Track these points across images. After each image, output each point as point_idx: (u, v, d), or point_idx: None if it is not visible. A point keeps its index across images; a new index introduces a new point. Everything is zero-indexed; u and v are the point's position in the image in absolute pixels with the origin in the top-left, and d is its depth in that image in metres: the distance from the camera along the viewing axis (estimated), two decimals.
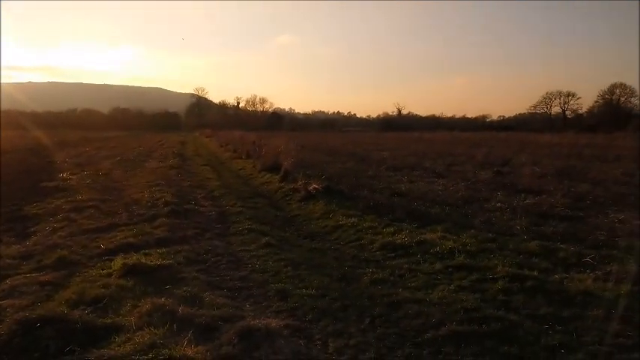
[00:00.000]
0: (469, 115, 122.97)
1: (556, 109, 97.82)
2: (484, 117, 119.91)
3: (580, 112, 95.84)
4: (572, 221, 9.03)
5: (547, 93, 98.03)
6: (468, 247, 7.29)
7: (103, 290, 5.65)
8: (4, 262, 6.95)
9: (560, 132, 62.26)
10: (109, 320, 4.87)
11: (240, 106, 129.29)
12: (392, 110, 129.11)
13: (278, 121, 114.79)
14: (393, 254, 7.41)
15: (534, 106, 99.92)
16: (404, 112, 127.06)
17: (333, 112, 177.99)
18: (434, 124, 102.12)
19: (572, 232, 8.14)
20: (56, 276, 6.28)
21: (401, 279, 6.34)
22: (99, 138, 50.04)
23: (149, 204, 11.38)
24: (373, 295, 5.80)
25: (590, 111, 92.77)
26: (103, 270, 6.58)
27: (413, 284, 6.10)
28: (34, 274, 6.35)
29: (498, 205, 10.48)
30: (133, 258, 6.73)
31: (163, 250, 7.52)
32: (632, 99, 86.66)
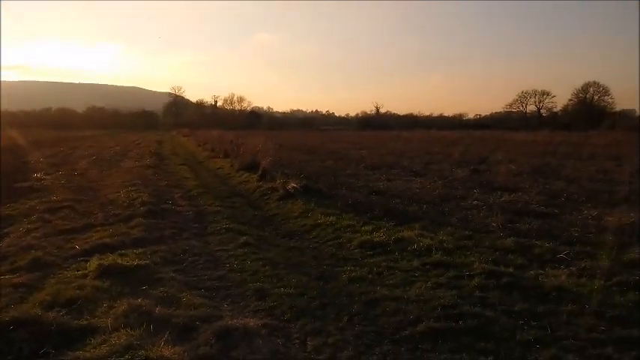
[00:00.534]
0: (446, 114, 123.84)
1: (531, 108, 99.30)
2: (461, 116, 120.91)
3: (555, 110, 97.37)
4: (547, 218, 9.16)
5: (522, 92, 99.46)
6: (445, 245, 7.35)
7: (78, 291, 5.58)
8: None
9: (535, 130, 63.14)
10: (85, 322, 4.81)
11: (217, 104, 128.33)
12: (370, 109, 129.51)
13: (256, 119, 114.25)
14: (372, 252, 7.44)
15: (510, 105, 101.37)
16: (382, 110, 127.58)
17: (312, 111, 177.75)
18: (412, 122, 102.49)
19: (547, 229, 8.26)
20: (30, 277, 6.17)
21: (379, 277, 6.37)
22: (74, 137, 49.32)
23: (125, 204, 11.26)
24: (351, 293, 5.82)
25: (564, 109, 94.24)
26: (78, 271, 6.49)
27: (391, 282, 6.13)
28: (7, 276, 6.23)
29: (475, 202, 10.59)
30: (109, 259, 6.66)
31: (140, 250, 7.45)
32: (606, 97, 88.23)
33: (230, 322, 4.65)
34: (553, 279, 5.85)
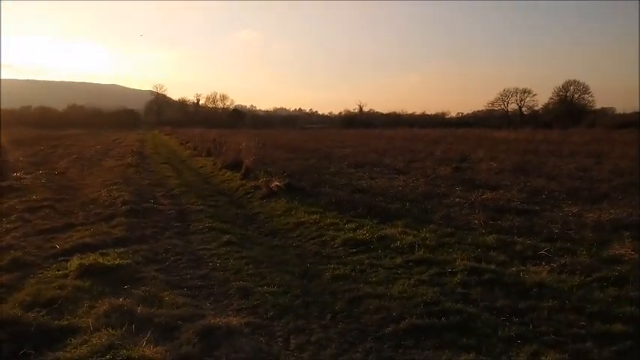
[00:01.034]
0: (429, 112, 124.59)
1: (513, 106, 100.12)
2: (443, 114, 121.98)
3: (536, 108, 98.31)
4: (528, 215, 9.24)
5: (504, 90, 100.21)
6: (428, 242, 7.39)
7: (58, 291, 5.52)
8: None
9: (516, 128, 63.67)
10: (65, 322, 4.76)
11: (200, 103, 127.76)
12: (353, 107, 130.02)
13: (239, 118, 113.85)
14: (355, 250, 7.46)
15: (492, 103, 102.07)
16: (365, 109, 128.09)
17: (295, 110, 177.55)
18: (394, 121, 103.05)
19: (528, 226, 8.34)
20: (10, 278, 6.10)
21: (362, 274, 6.39)
22: (54, 136, 48.65)
23: (106, 203, 11.16)
24: (335, 291, 5.83)
25: (545, 107, 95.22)
26: (58, 271, 6.42)
27: (374, 279, 6.15)
28: None
29: (457, 200, 10.65)
30: (90, 258, 6.59)
31: (121, 249, 7.39)
32: (586, 96, 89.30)
33: (213, 321, 4.64)
34: (534, 275, 5.91)
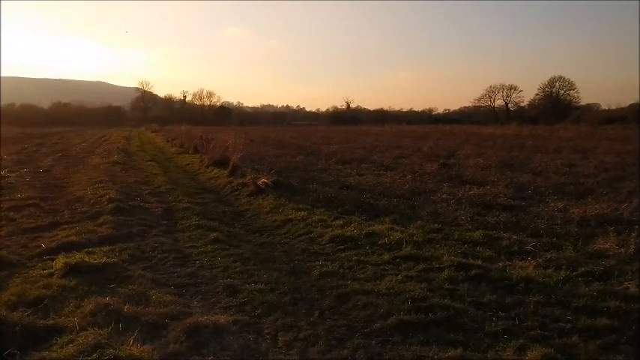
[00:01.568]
0: (416, 109, 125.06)
1: (499, 102, 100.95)
2: (430, 110, 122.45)
3: (522, 104, 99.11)
4: (515, 211, 9.31)
5: (490, 86, 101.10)
6: (415, 238, 7.42)
7: (44, 291, 5.48)
8: None
9: (503, 124, 64.21)
10: (51, 321, 4.72)
11: (187, 100, 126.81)
12: (341, 104, 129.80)
13: (226, 115, 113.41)
14: (343, 246, 7.47)
15: (478, 100, 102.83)
16: (353, 105, 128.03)
17: (282, 106, 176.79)
18: (382, 117, 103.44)
19: (515, 221, 8.40)
20: None
21: (350, 271, 6.40)
22: (39, 134, 48.10)
23: (92, 201, 11.06)
24: (323, 288, 5.83)
25: (531, 103, 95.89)
26: (43, 270, 6.36)
27: (362, 276, 6.16)
28: None
29: (444, 196, 10.70)
30: (76, 257, 6.53)
31: (107, 248, 7.34)
32: (571, 92, 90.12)
33: (200, 319, 4.62)
34: (520, 270, 5.96)
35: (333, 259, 6.95)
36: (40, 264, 6.69)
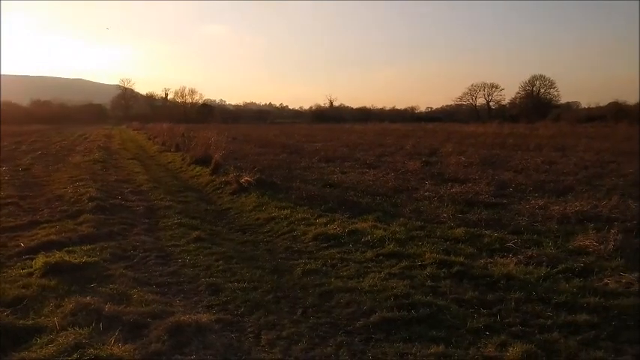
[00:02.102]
0: (398, 107, 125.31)
1: (481, 101, 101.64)
2: (413, 109, 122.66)
3: (503, 103, 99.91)
4: (496, 208, 9.39)
5: (472, 85, 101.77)
6: (398, 236, 7.44)
7: (23, 290, 5.41)
8: None
9: (484, 122, 64.66)
10: (31, 321, 4.66)
11: (168, 97, 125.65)
12: (324, 102, 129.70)
13: (208, 112, 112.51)
14: (326, 244, 7.46)
15: (460, 98, 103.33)
16: (336, 104, 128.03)
17: (265, 104, 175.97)
18: (365, 115, 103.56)
19: (496, 219, 8.47)
20: None
21: (333, 269, 6.41)
22: (18, 132, 47.37)
23: (73, 200, 10.94)
24: (306, 286, 5.83)
25: (512, 102, 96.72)
26: (23, 269, 6.28)
27: (345, 273, 6.17)
28: None
29: (426, 194, 10.75)
30: (56, 256, 6.45)
31: (88, 246, 7.26)
32: (551, 90, 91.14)
33: (182, 318, 4.59)
34: (502, 267, 6.00)
35: (316, 257, 6.95)
36: (19, 263, 6.59)
